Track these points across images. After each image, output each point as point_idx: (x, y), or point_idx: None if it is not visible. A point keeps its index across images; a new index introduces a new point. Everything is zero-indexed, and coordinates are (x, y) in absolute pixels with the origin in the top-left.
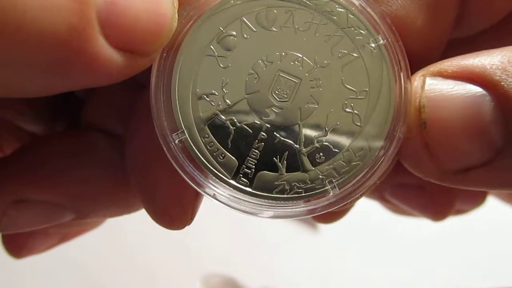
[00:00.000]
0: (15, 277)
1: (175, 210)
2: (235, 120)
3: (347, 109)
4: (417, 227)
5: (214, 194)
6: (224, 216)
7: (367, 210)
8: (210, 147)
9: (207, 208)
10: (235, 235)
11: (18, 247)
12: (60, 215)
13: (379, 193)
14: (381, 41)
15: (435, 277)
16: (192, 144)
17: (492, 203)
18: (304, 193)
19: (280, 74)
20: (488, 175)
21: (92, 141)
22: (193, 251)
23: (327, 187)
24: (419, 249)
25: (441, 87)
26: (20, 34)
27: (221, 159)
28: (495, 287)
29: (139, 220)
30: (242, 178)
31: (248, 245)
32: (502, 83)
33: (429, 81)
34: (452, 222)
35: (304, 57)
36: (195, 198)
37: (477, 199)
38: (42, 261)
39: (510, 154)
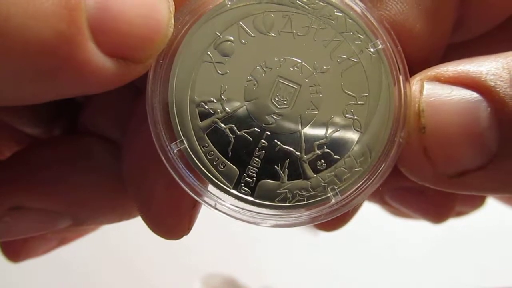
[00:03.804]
0: (11, 279)
1: (171, 220)
2: (235, 128)
3: (348, 115)
4: (417, 229)
5: (215, 204)
6: (223, 217)
7: (366, 212)
8: (210, 156)
9: (206, 208)
10: (235, 235)
11: (16, 251)
12: (56, 222)
13: (379, 196)
14: (380, 46)
15: (434, 277)
16: (191, 154)
17: (492, 205)
18: (306, 200)
19: (280, 80)
20: (481, 179)
21: (89, 146)
22: (193, 251)
23: (329, 194)
24: (418, 250)
25: (439, 91)
26: (4, 41)
27: (221, 168)
28: (495, 287)
29: (139, 220)
30: (243, 187)
31: (248, 245)
32: (498, 89)
33: (427, 85)
34: (452, 223)
35: (303, 63)
36: (193, 208)
37: (476, 201)
38: (39, 262)
39: (504, 159)
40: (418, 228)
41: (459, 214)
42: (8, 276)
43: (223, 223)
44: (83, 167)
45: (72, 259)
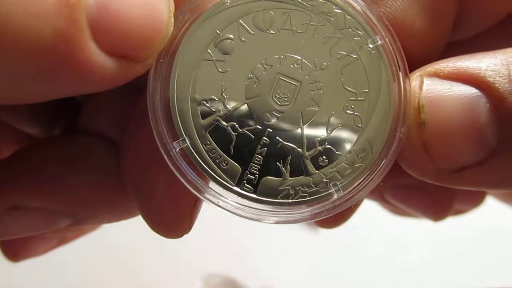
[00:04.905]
0: (11, 278)
1: (172, 218)
2: (237, 125)
3: (348, 111)
4: (417, 228)
5: (218, 201)
6: (224, 216)
7: (366, 211)
8: (212, 154)
9: (207, 208)
10: (235, 235)
11: (15, 250)
12: (55, 222)
13: (379, 194)
14: (379, 42)
15: (435, 277)
16: (194, 152)
17: (491, 205)
18: (309, 197)
19: (280, 77)
20: (481, 174)
21: (89, 146)
22: (194, 250)
23: (331, 190)
24: (419, 249)
25: (439, 87)
26: (4, 41)
27: (224, 166)
28: (495, 287)
29: (139, 219)
30: (246, 185)
31: (248, 245)
32: (496, 85)
33: (426, 81)
34: (452, 223)
35: (303, 60)
36: (193, 206)
37: (476, 199)
38: (38, 261)
39: (503, 155)
40: (418, 228)
41: (458, 212)
42: (8, 276)
43: (224, 222)
44: (82, 166)
45: (71, 259)
